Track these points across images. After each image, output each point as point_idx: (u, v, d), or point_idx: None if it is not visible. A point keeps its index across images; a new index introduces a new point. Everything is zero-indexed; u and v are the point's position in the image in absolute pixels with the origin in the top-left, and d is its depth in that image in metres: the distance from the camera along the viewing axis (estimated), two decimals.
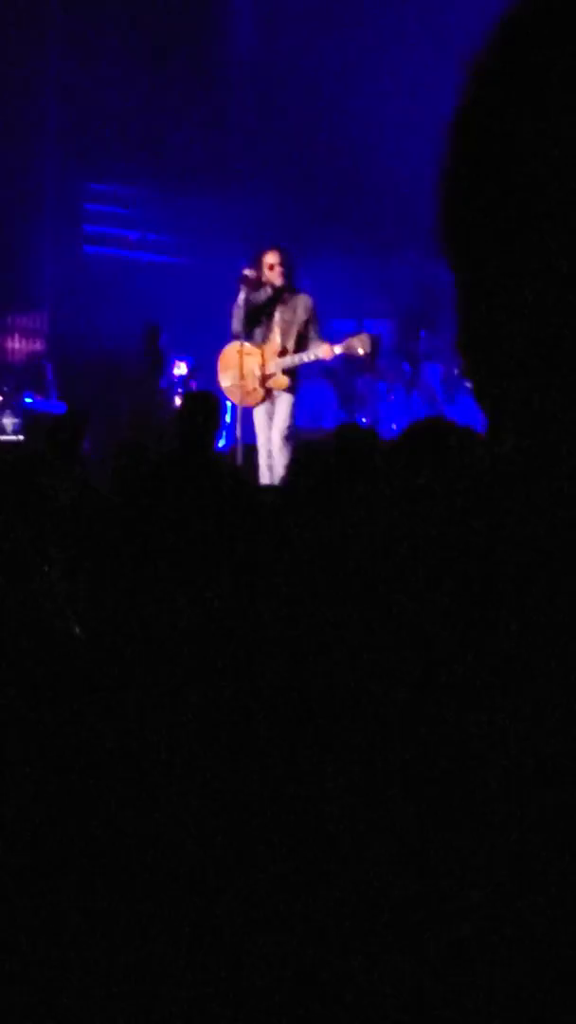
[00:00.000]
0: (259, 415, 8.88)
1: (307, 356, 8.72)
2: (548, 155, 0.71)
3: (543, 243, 0.72)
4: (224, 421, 9.82)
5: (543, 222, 0.72)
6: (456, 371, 13.10)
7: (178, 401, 12.03)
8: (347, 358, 11.31)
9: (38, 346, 14.76)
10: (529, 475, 0.75)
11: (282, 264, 8.74)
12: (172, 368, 13.44)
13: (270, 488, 8.32)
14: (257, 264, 8.79)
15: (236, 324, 8.80)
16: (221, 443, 10.25)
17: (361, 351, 8.75)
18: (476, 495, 0.83)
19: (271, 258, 8.76)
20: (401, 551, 0.86)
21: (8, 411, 12.39)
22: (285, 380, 8.74)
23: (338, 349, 8.70)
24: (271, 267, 8.73)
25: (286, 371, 8.75)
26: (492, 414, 0.77)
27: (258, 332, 8.83)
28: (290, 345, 8.74)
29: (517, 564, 0.76)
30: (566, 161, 0.70)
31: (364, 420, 12.40)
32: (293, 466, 8.16)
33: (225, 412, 9.72)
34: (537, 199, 0.72)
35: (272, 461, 8.73)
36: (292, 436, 8.78)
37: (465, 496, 0.84)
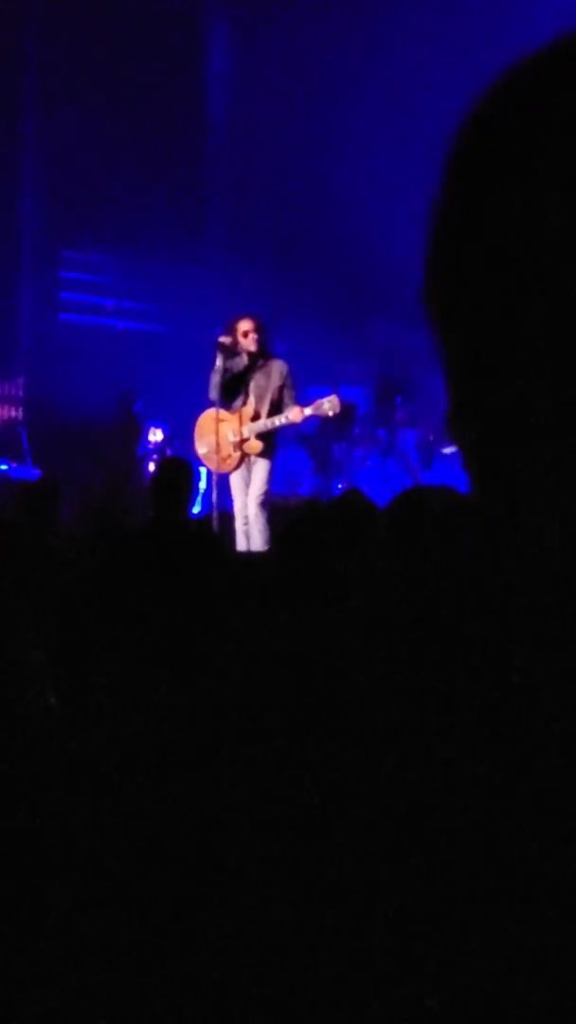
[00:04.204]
0: (235, 481, 8.89)
1: (278, 420, 8.75)
2: (536, 220, 0.72)
3: (534, 308, 0.72)
4: (199, 488, 9.83)
5: (534, 286, 0.72)
6: (431, 437, 13.16)
7: (153, 468, 12.03)
8: (322, 424, 11.33)
9: (14, 413, 14.77)
10: (516, 543, 0.74)
11: (256, 331, 8.78)
12: (147, 435, 13.46)
13: (247, 554, 8.31)
14: (232, 331, 8.83)
15: (213, 391, 8.83)
16: (196, 509, 10.24)
17: (330, 412, 8.78)
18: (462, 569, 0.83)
19: (245, 325, 8.81)
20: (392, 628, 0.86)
21: None
22: (259, 444, 8.76)
23: (308, 411, 8.74)
24: (245, 334, 8.78)
25: (260, 436, 8.77)
26: (480, 481, 0.77)
27: (235, 399, 8.86)
28: (264, 410, 8.77)
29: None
30: (555, 227, 0.71)
31: (340, 486, 12.42)
32: (284, 533, 8.15)
33: (200, 479, 9.73)
34: (528, 265, 0.72)
35: (248, 527, 8.73)
36: (268, 502, 8.79)
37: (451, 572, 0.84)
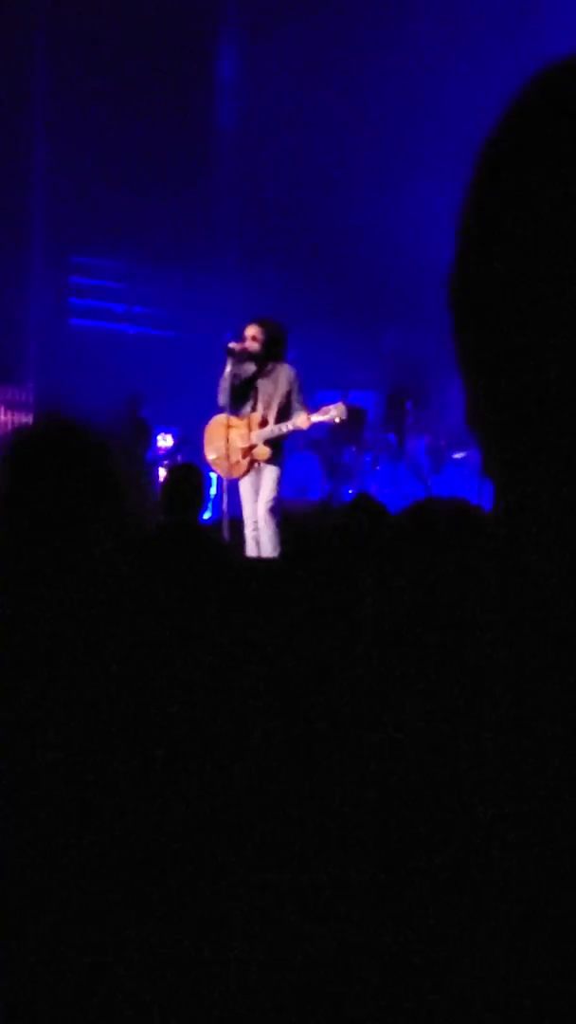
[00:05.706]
0: (245, 487, 8.90)
1: (285, 427, 8.77)
2: (563, 224, 0.73)
3: (563, 301, 0.73)
4: (209, 494, 9.83)
5: (563, 280, 0.73)
6: (442, 442, 13.16)
7: (163, 473, 12.05)
8: (332, 429, 11.33)
9: (24, 419, 14.78)
10: (537, 543, 0.74)
11: (263, 336, 8.78)
12: (157, 440, 13.48)
13: (259, 560, 8.31)
14: (242, 337, 8.85)
15: (222, 397, 8.84)
16: (207, 515, 10.25)
17: (337, 419, 8.79)
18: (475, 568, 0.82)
19: (252, 330, 8.82)
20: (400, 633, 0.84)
21: None
22: (267, 451, 8.76)
23: (315, 417, 8.76)
24: (252, 339, 8.79)
25: (269, 442, 8.77)
26: (502, 484, 0.78)
27: (244, 405, 8.86)
28: (271, 416, 8.78)
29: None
30: None
31: (350, 491, 12.43)
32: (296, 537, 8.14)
33: (211, 485, 9.73)
34: (558, 260, 0.73)
35: (258, 533, 8.73)
36: (278, 508, 8.79)
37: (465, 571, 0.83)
